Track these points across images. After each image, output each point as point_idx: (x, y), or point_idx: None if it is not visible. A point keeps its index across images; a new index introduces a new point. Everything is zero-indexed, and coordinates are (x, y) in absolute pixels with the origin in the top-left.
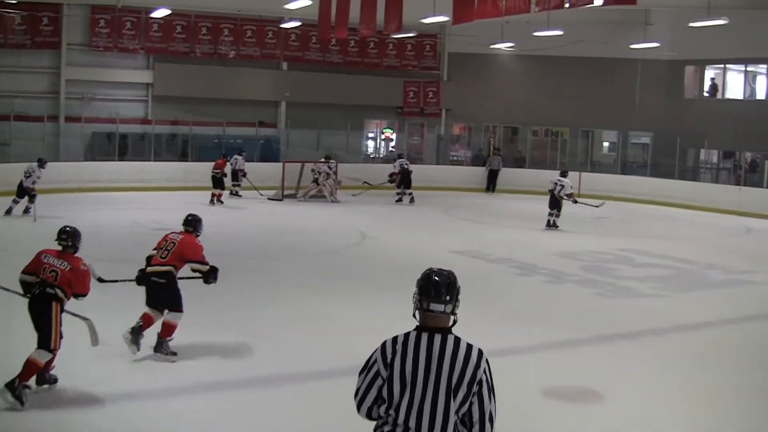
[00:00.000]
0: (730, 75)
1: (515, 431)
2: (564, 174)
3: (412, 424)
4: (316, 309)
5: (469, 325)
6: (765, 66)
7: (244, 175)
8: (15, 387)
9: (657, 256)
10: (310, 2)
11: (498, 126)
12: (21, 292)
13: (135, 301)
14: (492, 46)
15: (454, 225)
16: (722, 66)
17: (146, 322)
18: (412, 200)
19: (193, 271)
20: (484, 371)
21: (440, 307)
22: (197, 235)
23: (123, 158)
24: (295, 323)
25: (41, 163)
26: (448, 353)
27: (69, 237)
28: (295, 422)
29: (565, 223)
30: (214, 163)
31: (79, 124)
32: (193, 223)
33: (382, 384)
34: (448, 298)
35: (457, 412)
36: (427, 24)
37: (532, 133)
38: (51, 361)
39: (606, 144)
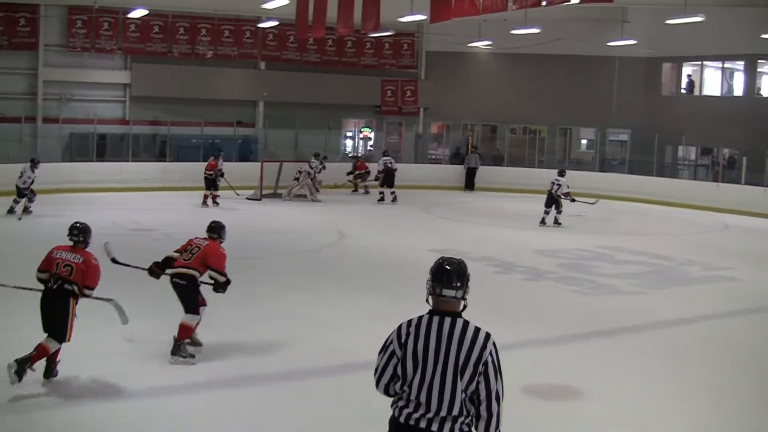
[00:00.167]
0: (707, 72)
1: None
2: (561, 173)
3: (422, 399)
4: (291, 308)
5: None
6: (742, 62)
7: (222, 175)
8: (23, 365)
9: (635, 253)
10: (287, 2)
11: (476, 124)
12: (30, 288)
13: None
14: (470, 45)
15: (433, 223)
16: (699, 63)
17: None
18: (394, 199)
19: (210, 278)
20: (491, 353)
21: (452, 293)
22: (221, 242)
23: (101, 159)
24: (271, 322)
25: (34, 164)
26: (456, 335)
27: (80, 233)
28: (281, 421)
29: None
30: (206, 164)
31: (56, 125)
32: (217, 230)
33: (397, 363)
34: (458, 284)
35: (465, 390)
36: (404, 23)
37: (510, 131)
38: (57, 353)
39: (584, 141)
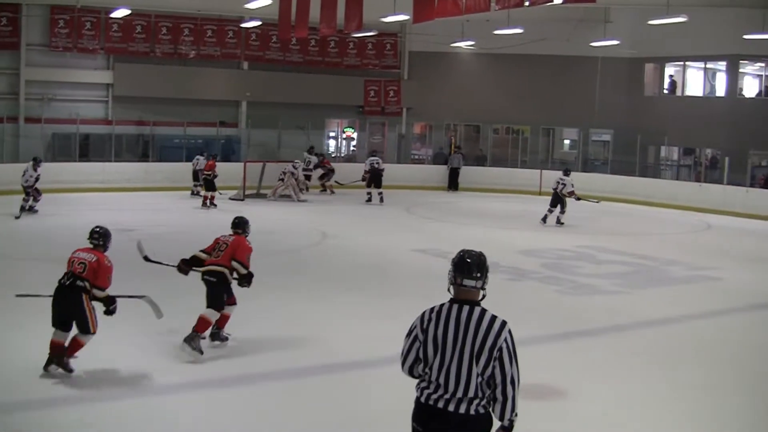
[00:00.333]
0: (689, 72)
1: None
2: (566, 173)
3: (441, 381)
4: (274, 308)
5: None
6: (724, 63)
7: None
8: (63, 361)
9: (618, 253)
10: (270, 2)
11: (459, 124)
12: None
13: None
14: (452, 45)
15: (416, 224)
16: (682, 63)
17: (222, 320)
18: (381, 200)
19: (233, 269)
20: (505, 340)
21: (472, 283)
22: (246, 236)
23: (84, 159)
24: (253, 322)
25: (36, 162)
26: (473, 322)
27: (100, 237)
28: (269, 420)
29: (526, 222)
30: (205, 164)
31: (39, 125)
32: (241, 225)
33: (419, 346)
34: (478, 275)
35: (481, 374)
36: (387, 23)
37: (493, 131)
38: (80, 347)
39: (567, 142)
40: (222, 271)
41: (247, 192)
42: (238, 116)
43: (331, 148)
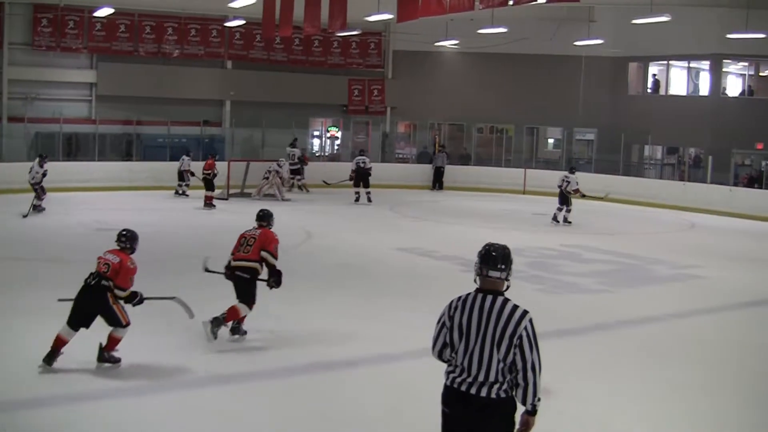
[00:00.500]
0: (673, 71)
1: None
2: (572, 171)
3: (465, 365)
4: (259, 307)
5: (414, 321)
6: (707, 62)
7: (192, 174)
8: (104, 355)
9: (602, 252)
10: (254, 1)
11: (443, 123)
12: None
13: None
14: (436, 44)
15: (400, 223)
16: (665, 62)
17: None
18: (369, 199)
19: (263, 259)
20: (525, 328)
21: (497, 274)
22: (270, 228)
23: (67, 158)
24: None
25: (41, 159)
26: (495, 311)
27: (127, 239)
28: (249, 421)
29: (510, 221)
30: (204, 164)
31: (22, 124)
32: (266, 218)
33: (447, 332)
34: (503, 266)
35: (503, 360)
36: (371, 22)
37: (477, 130)
38: (118, 342)
39: (551, 141)
40: (254, 266)
41: (232, 191)
42: (222, 115)
43: (316, 147)
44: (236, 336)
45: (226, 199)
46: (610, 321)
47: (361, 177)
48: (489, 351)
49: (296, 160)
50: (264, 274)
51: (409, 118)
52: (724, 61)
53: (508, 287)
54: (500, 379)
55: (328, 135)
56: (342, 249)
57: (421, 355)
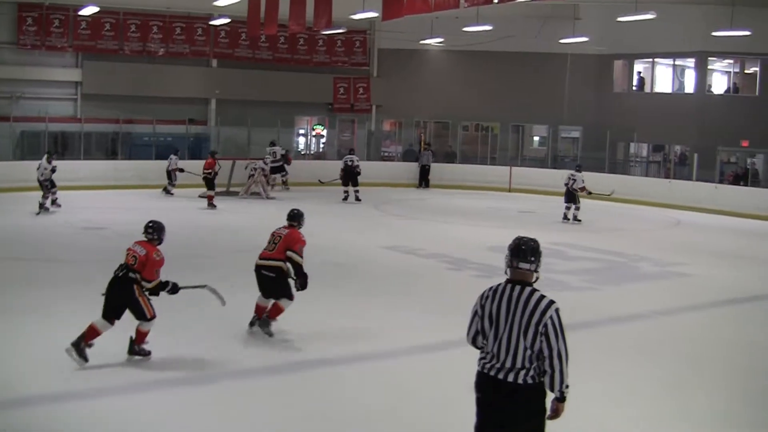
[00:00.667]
0: (658, 69)
1: (442, 424)
2: (578, 169)
3: (494, 351)
4: (243, 307)
5: (402, 319)
6: (693, 60)
7: (182, 170)
8: (134, 348)
9: (588, 250)
10: None
11: (429, 121)
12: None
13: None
14: (422, 42)
15: (386, 221)
16: (650, 60)
17: (260, 311)
18: (357, 198)
19: (288, 258)
20: (551, 317)
21: (527, 266)
22: (300, 228)
23: (53, 157)
24: (226, 321)
25: (49, 155)
26: (522, 300)
27: (154, 230)
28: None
29: (496, 218)
30: (204, 163)
31: (7, 123)
32: (296, 218)
33: (479, 320)
34: (532, 259)
35: (530, 347)
36: (356, 20)
37: (462, 128)
38: (145, 335)
39: (536, 138)
40: (279, 265)
41: (217, 189)
42: (208, 114)
43: (301, 146)
44: (266, 330)
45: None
46: (597, 319)
47: (349, 176)
48: (516, 338)
49: (278, 158)
50: (291, 272)
51: (394, 116)
52: (710, 58)
53: (537, 279)
54: (527, 365)
55: (314, 133)
56: (328, 247)
57: (412, 353)
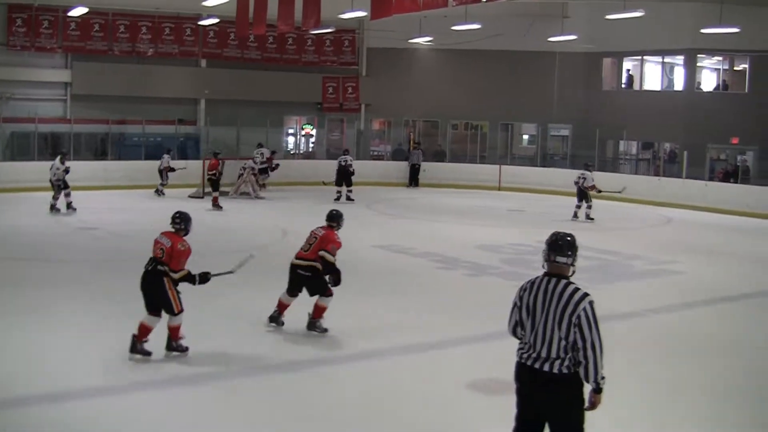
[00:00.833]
0: (647, 66)
1: (440, 424)
2: (587, 167)
3: (531, 341)
4: (238, 307)
5: (395, 318)
6: (682, 57)
7: (173, 170)
8: (171, 344)
9: (579, 248)
10: None
11: (418, 120)
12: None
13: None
14: (410, 41)
15: (376, 219)
16: (639, 58)
17: (281, 307)
18: (348, 198)
19: (320, 257)
20: (584, 309)
21: (563, 259)
22: (338, 229)
23: (43, 158)
24: (219, 321)
25: (63, 156)
26: (557, 292)
27: (181, 220)
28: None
29: (486, 217)
30: (208, 164)
31: None
32: (335, 219)
33: (517, 311)
34: (569, 253)
35: (565, 338)
36: (345, 19)
37: (452, 126)
38: (177, 330)
39: (526, 137)
40: (313, 265)
41: (207, 189)
42: (197, 114)
43: (290, 146)
44: (314, 332)
45: (202, 198)
46: None
47: (342, 176)
48: (551, 329)
49: (264, 159)
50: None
51: (383, 115)
52: (699, 55)
53: (573, 272)
54: (562, 355)
55: (303, 133)
56: None
57: (405, 352)
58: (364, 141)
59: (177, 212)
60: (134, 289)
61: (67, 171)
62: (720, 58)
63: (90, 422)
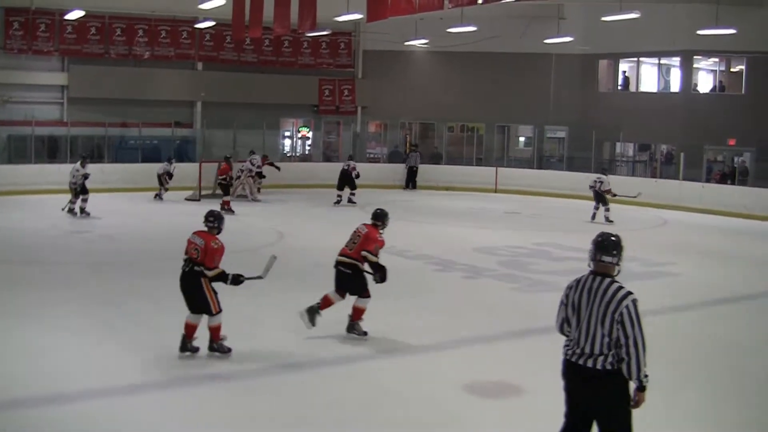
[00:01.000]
0: (643, 68)
1: (437, 426)
2: (603, 172)
3: (576, 338)
4: (235, 308)
5: (391, 320)
6: (678, 59)
7: (170, 176)
8: (213, 345)
9: (574, 250)
10: (223, 2)
11: (414, 122)
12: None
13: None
14: (406, 43)
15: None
16: (635, 59)
17: (324, 302)
18: (349, 201)
19: (363, 257)
20: (626, 307)
21: (609, 259)
22: (383, 228)
23: (39, 161)
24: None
25: (84, 160)
26: (601, 290)
27: (215, 219)
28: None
29: (482, 219)
30: (219, 168)
31: None
32: (380, 218)
33: (564, 309)
34: (615, 252)
35: (608, 335)
36: (341, 22)
37: (448, 129)
38: (218, 330)
39: (522, 139)
40: (355, 263)
41: (203, 192)
42: (193, 116)
43: (287, 148)
44: (353, 334)
45: (198, 200)
46: None
47: (344, 180)
48: (594, 325)
49: (259, 164)
50: (367, 267)
51: (380, 117)
52: (695, 57)
53: (619, 272)
54: (605, 351)
55: (299, 135)
56: (314, 249)
57: (402, 354)
58: (361, 143)
59: (210, 211)
60: (130, 291)
61: (86, 177)
62: (716, 60)
63: (89, 423)
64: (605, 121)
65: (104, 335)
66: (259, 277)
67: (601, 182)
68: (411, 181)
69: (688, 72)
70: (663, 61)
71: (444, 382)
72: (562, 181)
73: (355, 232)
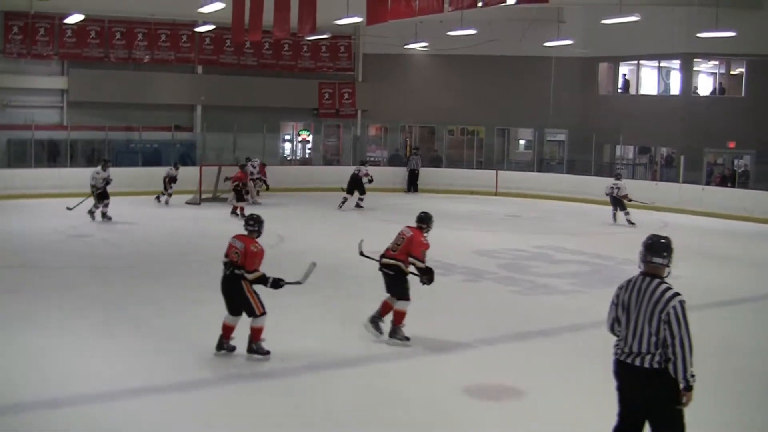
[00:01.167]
0: (643, 71)
1: (437, 427)
2: (618, 177)
3: (624, 336)
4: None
5: (387, 323)
6: (678, 61)
7: (174, 181)
8: (251, 346)
9: (574, 253)
10: (223, 6)
11: (414, 126)
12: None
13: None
14: (406, 47)
15: (372, 225)
16: (635, 62)
17: (384, 308)
18: (357, 205)
19: (411, 263)
20: (673, 307)
21: (659, 260)
22: (427, 231)
23: (39, 165)
24: (210, 325)
25: (105, 163)
26: (650, 290)
27: (255, 223)
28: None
29: (482, 222)
30: (234, 174)
31: None
32: (425, 220)
33: (615, 308)
34: (665, 254)
35: (655, 334)
36: (341, 25)
37: (448, 132)
38: (260, 332)
39: (522, 142)
40: (398, 264)
41: (204, 196)
42: (193, 120)
43: (287, 152)
44: (394, 340)
45: (199, 204)
46: (584, 322)
47: (354, 185)
48: (642, 325)
49: (258, 170)
50: (413, 268)
51: (380, 120)
52: (695, 60)
53: (669, 273)
54: (652, 350)
55: (299, 139)
56: (315, 252)
57: (401, 357)
58: (361, 147)
59: (250, 215)
60: (131, 295)
61: (107, 181)
62: (716, 62)
63: (90, 426)
64: (605, 124)
65: (105, 338)
66: (298, 282)
67: (618, 188)
68: (412, 185)
69: (688, 75)
70: (663, 63)
71: (444, 384)
72: (562, 184)
73: (399, 234)
